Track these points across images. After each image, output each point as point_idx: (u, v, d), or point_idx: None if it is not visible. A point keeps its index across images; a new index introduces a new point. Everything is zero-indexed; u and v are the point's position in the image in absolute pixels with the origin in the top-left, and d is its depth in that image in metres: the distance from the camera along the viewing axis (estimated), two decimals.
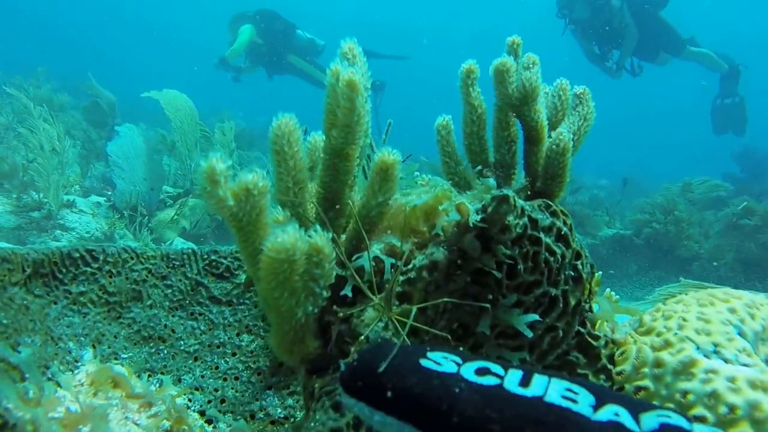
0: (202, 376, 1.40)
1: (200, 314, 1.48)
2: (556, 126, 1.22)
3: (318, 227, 0.86)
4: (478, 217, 0.93)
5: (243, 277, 1.52)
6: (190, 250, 1.52)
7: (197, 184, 5.23)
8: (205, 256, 1.52)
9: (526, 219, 0.97)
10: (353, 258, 1.01)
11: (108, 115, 6.33)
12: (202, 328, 1.47)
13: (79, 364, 1.25)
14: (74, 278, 1.36)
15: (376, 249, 1.02)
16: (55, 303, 1.31)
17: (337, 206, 1.05)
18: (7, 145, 4.54)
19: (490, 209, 0.92)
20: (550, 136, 1.16)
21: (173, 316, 1.46)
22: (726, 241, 6.07)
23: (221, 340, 1.47)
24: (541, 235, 0.99)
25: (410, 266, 0.98)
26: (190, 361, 1.42)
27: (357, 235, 1.04)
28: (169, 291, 1.47)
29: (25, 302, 1.20)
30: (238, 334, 1.48)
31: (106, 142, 5.35)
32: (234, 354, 1.45)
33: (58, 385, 1.10)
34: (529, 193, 1.19)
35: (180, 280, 1.49)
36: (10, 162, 4.32)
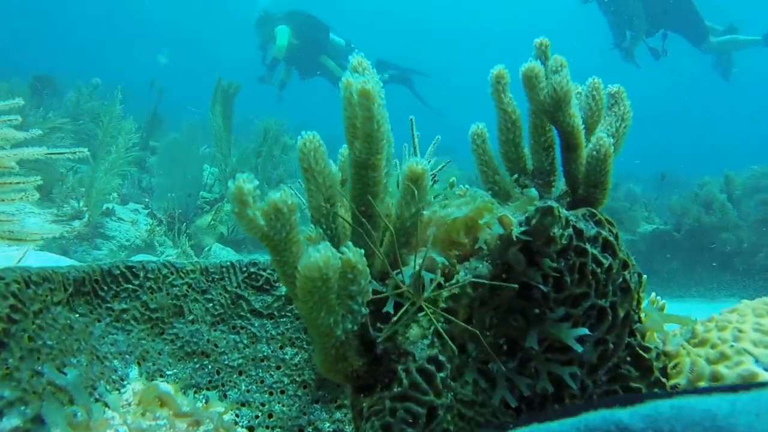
0: (248, 391, 1.40)
1: (242, 328, 1.48)
2: (592, 128, 1.18)
3: (350, 243, 0.85)
4: (522, 230, 0.91)
5: (283, 289, 1.51)
6: (228, 263, 1.52)
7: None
8: (244, 269, 1.51)
9: (570, 230, 0.94)
10: (392, 274, 0.99)
11: (149, 123, 6.43)
12: (245, 341, 1.47)
13: (125, 382, 1.25)
14: (116, 295, 1.36)
15: (416, 263, 1.00)
16: (99, 321, 1.32)
17: (371, 219, 1.03)
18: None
19: (534, 221, 0.90)
20: (588, 141, 1.12)
21: (215, 330, 1.46)
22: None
23: (265, 353, 1.46)
24: (587, 245, 0.96)
25: (453, 281, 0.97)
26: (235, 376, 1.42)
27: (393, 248, 1.02)
28: (210, 305, 1.47)
29: (68, 321, 1.21)
30: (281, 347, 1.47)
31: (144, 150, 5.43)
32: (278, 367, 1.44)
33: (106, 405, 1.11)
34: (570, 200, 1.15)
35: (220, 294, 1.49)
36: (52, 171, 4.40)
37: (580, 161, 1.14)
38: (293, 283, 0.86)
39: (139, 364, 1.33)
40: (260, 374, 1.43)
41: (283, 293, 1.50)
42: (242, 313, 1.49)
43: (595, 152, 1.08)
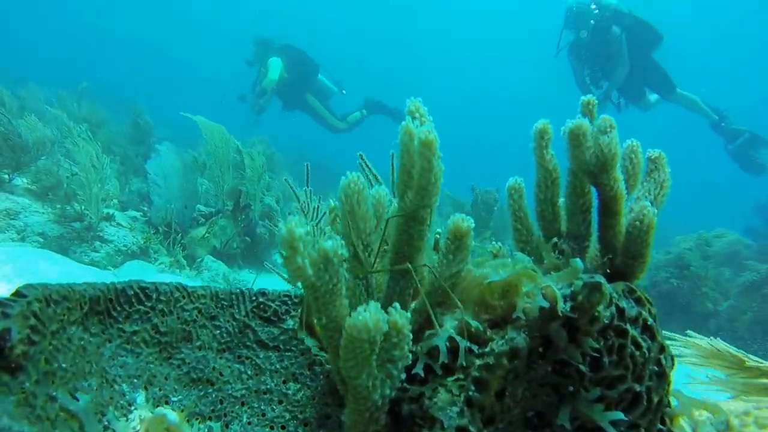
0: (249, 423, 1.37)
1: (247, 358, 1.45)
2: (628, 193, 1.16)
3: (397, 305, 0.83)
4: (568, 306, 0.89)
5: (290, 323, 1.49)
6: (238, 291, 1.49)
7: (227, 205, 5.26)
8: (253, 298, 1.49)
9: (613, 308, 0.93)
10: (426, 335, 0.97)
11: (146, 134, 6.47)
12: (249, 372, 1.44)
13: (133, 407, 1.22)
14: (128, 317, 1.33)
15: (449, 326, 0.98)
16: (110, 341, 1.29)
17: (409, 273, 1.01)
18: (54, 160, 4.62)
19: (580, 297, 0.88)
20: (629, 212, 1.10)
21: (221, 358, 1.43)
22: (745, 302, 5.93)
23: (268, 386, 1.43)
24: (628, 326, 0.94)
25: (488, 350, 0.94)
26: (238, 407, 1.39)
27: (428, 307, 1.00)
28: (218, 332, 1.44)
29: (82, 342, 1.17)
30: (284, 382, 1.44)
31: (144, 159, 5.43)
32: (280, 402, 1.41)
33: None
34: (603, 268, 1.13)
35: (228, 321, 1.46)
36: (55, 175, 4.38)
37: (619, 229, 1.11)
38: (331, 336, 0.84)
39: (146, 388, 1.29)
40: (262, 407, 1.40)
41: (290, 326, 1.48)
42: (248, 343, 1.46)
43: (637, 222, 1.06)
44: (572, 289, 0.90)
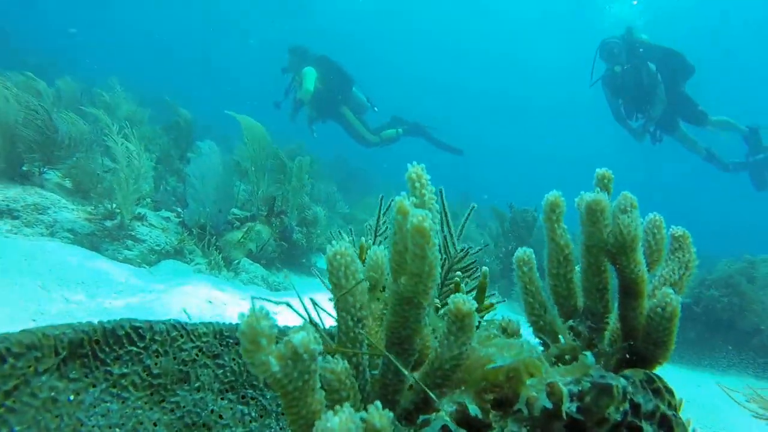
0: None
1: (252, 398, 1.38)
2: (649, 269, 1.06)
3: (378, 404, 0.73)
4: (574, 407, 0.79)
5: None
6: None
7: (262, 210, 5.24)
8: None
9: (627, 405, 0.82)
10: (419, 421, 0.88)
11: (185, 134, 6.49)
12: (253, 414, 1.36)
13: None
14: (117, 358, 1.26)
15: (445, 412, 0.88)
16: (94, 386, 1.22)
17: (406, 354, 0.92)
18: (90, 156, 4.64)
19: (588, 399, 0.78)
20: (652, 294, 0.99)
21: (223, 399, 1.36)
22: None
23: (273, 429, 1.36)
24: (643, 423, 0.83)
25: None
26: None
27: (424, 389, 0.91)
28: (221, 371, 1.37)
29: (52, 393, 1.11)
30: None
31: (182, 160, 5.44)
32: None
33: None
34: (627, 357, 1.02)
35: (233, 360, 1.39)
36: (90, 171, 4.40)
37: (640, 311, 1.01)
38: None
39: None
40: None
41: None
42: (255, 382, 1.39)
43: (660, 309, 0.95)
44: (580, 388, 0.80)
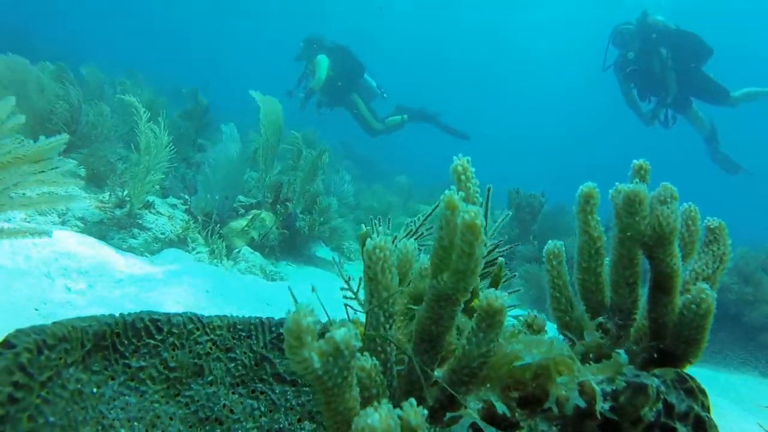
0: None
1: (262, 393, 1.37)
2: (683, 261, 1.04)
3: (413, 401, 0.72)
4: (608, 406, 0.77)
5: None
6: (257, 321, 1.40)
7: (267, 197, 5.21)
8: (273, 328, 1.40)
9: (660, 405, 0.81)
10: (446, 418, 0.86)
11: (198, 119, 6.47)
12: (263, 408, 1.35)
13: None
14: (135, 351, 1.25)
15: (472, 408, 0.87)
16: (113, 379, 1.21)
17: (434, 351, 0.90)
18: (108, 145, 4.65)
19: (622, 398, 0.77)
20: (683, 289, 0.97)
21: (234, 393, 1.34)
22: None
23: (281, 425, 1.35)
24: (677, 424, 0.82)
25: None
26: None
27: (451, 385, 0.89)
28: (233, 365, 1.36)
29: (79, 386, 1.10)
30: (299, 420, 1.36)
31: (193, 145, 5.42)
32: None
33: None
34: (655, 356, 0.99)
35: (245, 353, 1.38)
36: (106, 160, 4.40)
37: (672, 308, 0.99)
38: (338, 428, 0.74)
39: (147, 431, 1.21)
40: None
41: None
42: (264, 377, 1.38)
43: (693, 305, 0.93)
44: (614, 387, 0.78)
